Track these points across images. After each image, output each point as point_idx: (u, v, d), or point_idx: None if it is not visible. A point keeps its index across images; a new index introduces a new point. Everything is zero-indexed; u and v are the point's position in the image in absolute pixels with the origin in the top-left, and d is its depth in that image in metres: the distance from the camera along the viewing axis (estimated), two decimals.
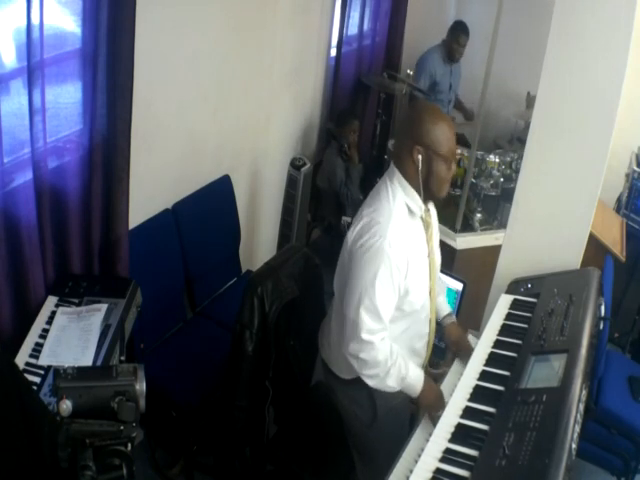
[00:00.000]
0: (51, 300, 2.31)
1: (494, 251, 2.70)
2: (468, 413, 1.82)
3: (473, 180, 3.81)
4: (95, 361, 2.08)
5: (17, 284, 2.21)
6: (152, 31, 2.53)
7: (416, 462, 1.69)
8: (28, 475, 1.51)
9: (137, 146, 2.53)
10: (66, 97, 2.30)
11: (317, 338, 2.29)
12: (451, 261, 3.43)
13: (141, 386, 1.27)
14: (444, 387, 2.08)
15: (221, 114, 3.27)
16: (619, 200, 4.15)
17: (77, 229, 2.41)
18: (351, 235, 1.99)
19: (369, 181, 4.18)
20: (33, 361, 2.08)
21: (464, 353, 2.20)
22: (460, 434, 1.75)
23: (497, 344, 2.13)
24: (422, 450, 1.73)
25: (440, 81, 4.73)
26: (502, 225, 3.47)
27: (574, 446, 1.63)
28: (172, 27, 2.74)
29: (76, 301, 2.32)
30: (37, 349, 2.12)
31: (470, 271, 3.05)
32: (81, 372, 1.27)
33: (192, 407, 2.68)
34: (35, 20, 1.97)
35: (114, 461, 1.20)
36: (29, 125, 2.09)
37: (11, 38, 2.13)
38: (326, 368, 2.21)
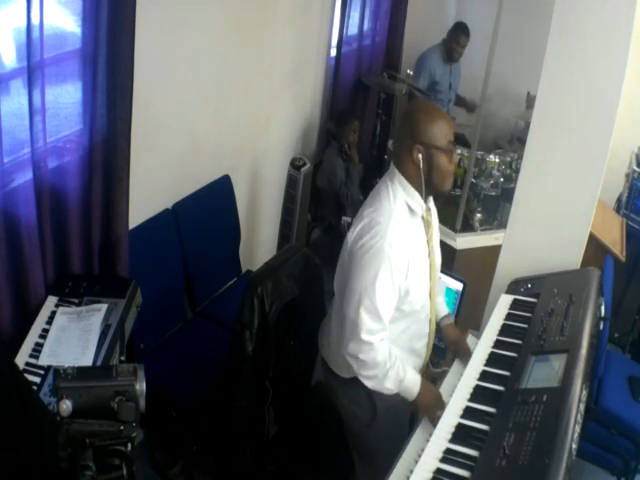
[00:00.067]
0: (51, 300, 2.31)
1: (494, 251, 2.70)
2: (468, 413, 1.82)
3: (473, 180, 3.81)
4: (95, 361, 2.07)
5: (17, 284, 2.21)
6: (152, 31, 2.53)
7: (416, 462, 1.69)
8: (28, 475, 1.51)
9: (137, 146, 2.53)
10: (66, 97, 2.30)
11: (317, 338, 2.29)
12: (451, 261, 3.43)
13: (141, 386, 1.26)
14: (444, 387, 2.08)
15: (221, 114, 3.27)
16: (619, 200, 4.15)
17: (77, 229, 2.40)
18: (351, 235, 1.99)
19: (369, 181, 4.18)
20: (33, 361, 2.08)
21: (462, 354, 2.21)
22: (460, 434, 1.75)
23: (497, 344, 2.13)
24: (422, 450, 1.73)
25: (440, 80, 4.73)
26: (502, 225, 3.47)
27: (574, 446, 1.63)
28: (172, 27, 2.74)
29: (76, 301, 2.32)
30: (37, 349, 2.12)
31: (470, 271, 3.05)
32: (81, 372, 1.26)
33: (192, 407, 2.67)
34: (35, 20, 1.97)
35: (114, 461, 1.20)
36: (29, 125, 2.09)
37: (11, 38, 2.12)
38: (326, 367, 2.22)
